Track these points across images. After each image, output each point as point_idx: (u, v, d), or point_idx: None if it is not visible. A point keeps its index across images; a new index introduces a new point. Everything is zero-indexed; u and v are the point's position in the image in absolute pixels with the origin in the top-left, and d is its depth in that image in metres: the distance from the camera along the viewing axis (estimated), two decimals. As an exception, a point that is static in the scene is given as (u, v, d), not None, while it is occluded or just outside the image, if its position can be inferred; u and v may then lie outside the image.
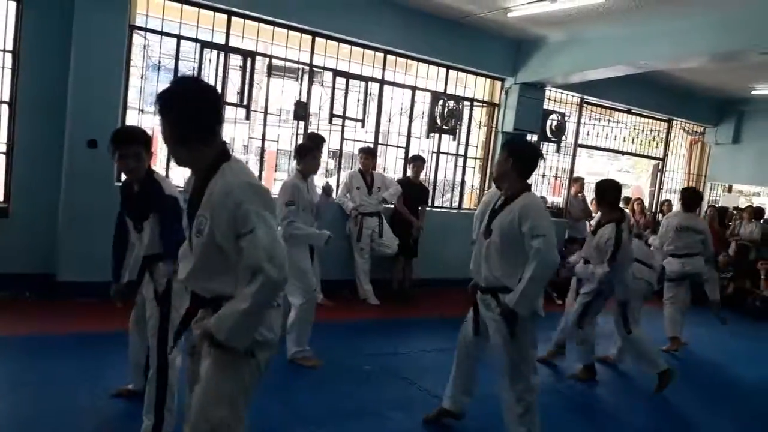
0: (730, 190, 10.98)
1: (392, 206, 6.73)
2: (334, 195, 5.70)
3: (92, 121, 5.33)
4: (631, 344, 4.67)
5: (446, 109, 7.52)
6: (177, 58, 5.84)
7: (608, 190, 4.56)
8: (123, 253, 3.25)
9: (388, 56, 7.06)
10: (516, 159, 3.13)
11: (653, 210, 10.17)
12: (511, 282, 3.03)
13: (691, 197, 6.00)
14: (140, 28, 5.69)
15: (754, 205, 9.95)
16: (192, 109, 1.90)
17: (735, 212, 9.98)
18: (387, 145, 7.61)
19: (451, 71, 7.61)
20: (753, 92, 9.09)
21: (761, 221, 9.32)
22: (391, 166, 7.70)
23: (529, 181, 3.20)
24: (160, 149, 6.05)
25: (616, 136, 9.69)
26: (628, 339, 4.63)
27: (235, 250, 1.89)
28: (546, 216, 3.10)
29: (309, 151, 4.56)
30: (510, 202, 3.11)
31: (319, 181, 5.78)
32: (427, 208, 7.08)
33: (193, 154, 1.97)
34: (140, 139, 2.99)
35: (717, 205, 10.15)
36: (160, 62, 5.84)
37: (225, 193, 1.88)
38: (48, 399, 3.42)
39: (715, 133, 10.47)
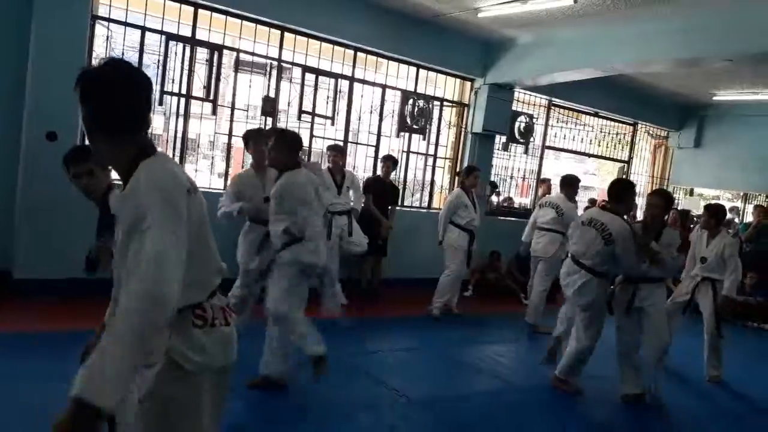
0: (691, 193, 11.25)
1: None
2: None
3: (51, 114, 5.15)
4: None
5: (416, 109, 7.51)
6: (141, 51, 5.69)
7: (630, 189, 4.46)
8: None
9: (359, 53, 7.02)
10: None
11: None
12: None
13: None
14: (103, 19, 5.53)
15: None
16: (121, 95, 1.62)
17: (695, 217, 10.21)
18: (357, 143, 7.56)
19: (421, 70, 7.61)
20: (714, 98, 9.33)
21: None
22: (360, 164, 7.66)
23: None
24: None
25: (582, 139, 9.84)
26: None
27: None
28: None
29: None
30: None
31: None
32: (397, 208, 7.06)
33: (114, 150, 1.67)
34: (89, 155, 2.77)
35: (679, 208, 10.37)
36: (123, 54, 5.67)
37: (131, 194, 1.59)
38: (7, 400, 3.28)
39: (678, 138, 10.72)
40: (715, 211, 5.29)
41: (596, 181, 16.33)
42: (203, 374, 1.71)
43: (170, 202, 1.56)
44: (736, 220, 10.27)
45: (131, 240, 1.53)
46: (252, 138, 4.50)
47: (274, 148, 3.70)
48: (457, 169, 7.65)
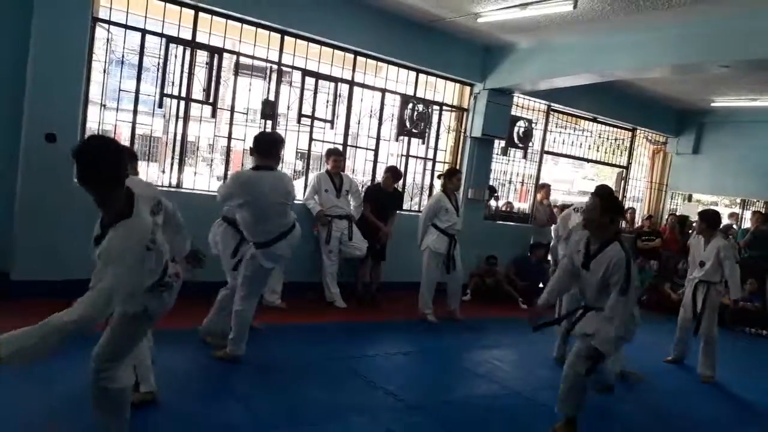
0: (689, 199, 11.27)
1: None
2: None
3: (51, 115, 5.16)
4: None
5: (416, 113, 7.53)
6: (141, 53, 5.70)
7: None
8: None
9: (358, 57, 7.04)
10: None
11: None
12: None
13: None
14: (104, 21, 5.53)
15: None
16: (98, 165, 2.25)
17: (694, 223, 10.22)
18: (356, 147, 7.57)
19: (420, 75, 7.63)
20: (712, 104, 9.36)
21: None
22: (360, 168, 7.66)
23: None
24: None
25: (581, 144, 9.86)
26: None
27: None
28: None
29: None
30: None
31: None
32: (397, 212, 7.06)
33: (113, 204, 2.35)
34: (135, 155, 3.62)
35: (677, 213, 10.40)
36: (123, 57, 5.69)
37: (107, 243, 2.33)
38: (2, 404, 3.27)
39: (677, 144, 10.74)
40: (707, 217, 5.53)
41: (594, 186, 16.35)
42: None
43: (131, 254, 2.34)
44: (735, 226, 10.27)
45: (102, 270, 2.28)
46: None
47: None
48: (437, 174, 7.58)
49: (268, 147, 4.26)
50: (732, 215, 10.67)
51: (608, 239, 3.51)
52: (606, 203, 3.52)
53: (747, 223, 10.46)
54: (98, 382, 2.65)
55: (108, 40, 5.59)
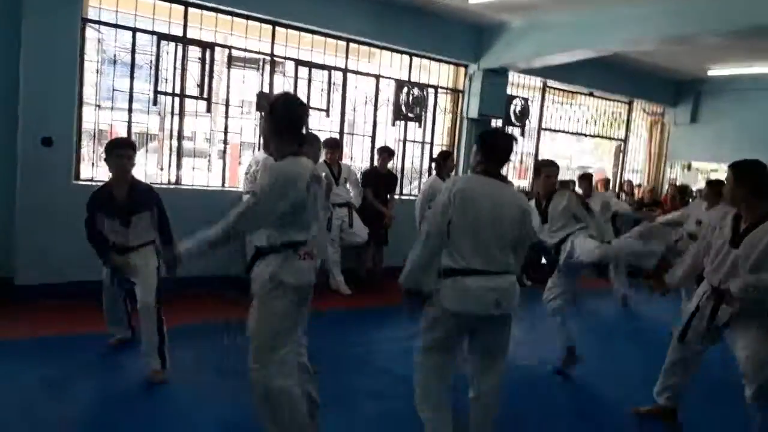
0: (689, 168, 11.26)
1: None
2: None
3: (46, 119, 5.17)
4: None
5: (411, 97, 7.51)
6: (133, 52, 5.69)
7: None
8: (105, 243, 3.85)
9: (351, 45, 7.01)
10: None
11: (616, 190, 10.36)
12: None
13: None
14: (94, 21, 5.51)
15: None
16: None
17: (694, 192, 10.23)
18: (353, 134, 7.57)
19: (414, 59, 7.60)
20: (709, 73, 9.31)
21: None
22: (357, 155, 7.67)
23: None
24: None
25: (578, 119, 9.83)
26: None
27: None
28: None
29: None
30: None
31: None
32: (396, 197, 7.08)
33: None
34: (129, 144, 3.97)
35: (677, 184, 10.39)
36: (115, 56, 5.68)
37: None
38: (11, 407, 3.31)
39: (674, 114, 10.70)
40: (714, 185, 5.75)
41: (593, 160, 16.29)
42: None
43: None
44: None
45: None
46: None
47: None
48: (433, 156, 7.57)
49: None
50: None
51: (762, 216, 3.18)
52: (741, 175, 3.23)
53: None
54: (254, 381, 2.65)
55: (99, 40, 5.58)
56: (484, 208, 2.80)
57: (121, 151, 3.72)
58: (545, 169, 4.61)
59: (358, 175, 6.90)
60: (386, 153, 6.89)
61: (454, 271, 2.80)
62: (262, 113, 6.17)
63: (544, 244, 4.65)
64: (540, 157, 9.32)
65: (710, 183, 6.07)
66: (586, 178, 7.37)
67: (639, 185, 10.66)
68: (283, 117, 2.68)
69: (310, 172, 2.69)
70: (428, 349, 2.96)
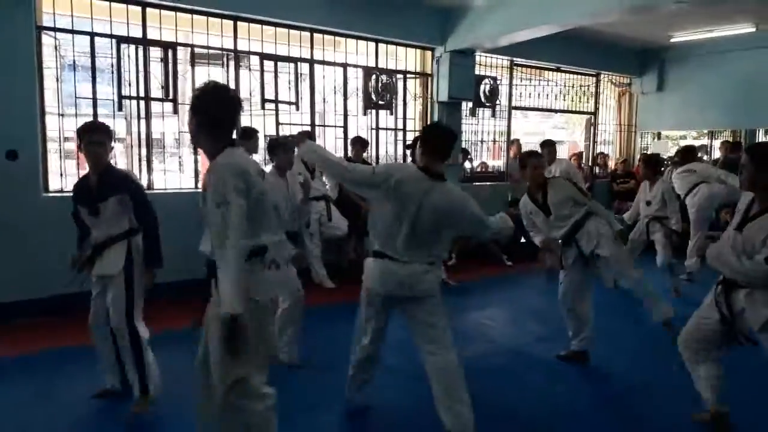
0: (659, 137, 11.41)
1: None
2: None
3: (8, 131, 5.04)
4: None
5: (380, 84, 7.47)
6: (93, 56, 5.55)
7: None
8: (85, 237, 3.47)
9: (315, 35, 6.93)
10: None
11: (589, 163, 10.47)
12: None
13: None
14: (49, 29, 5.36)
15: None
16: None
17: (667, 160, 10.37)
18: (324, 126, 7.50)
19: (380, 45, 7.54)
20: (672, 40, 9.40)
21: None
22: (330, 146, 7.60)
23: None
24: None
25: (548, 95, 9.87)
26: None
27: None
28: None
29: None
30: None
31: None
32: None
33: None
34: (103, 128, 3.40)
35: (648, 152, 10.52)
36: (75, 62, 5.53)
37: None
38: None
39: (641, 83, 10.80)
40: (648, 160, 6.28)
41: (565, 135, 16.45)
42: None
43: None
44: (705, 157, 10.46)
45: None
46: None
47: None
48: (407, 143, 7.55)
49: None
50: (701, 147, 10.84)
51: None
52: (761, 159, 2.97)
53: (716, 153, 10.67)
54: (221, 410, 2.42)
55: (56, 47, 5.42)
56: (411, 202, 2.98)
57: (93, 137, 3.29)
58: (532, 160, 4.39)
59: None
60: (359, 144, 6.84)
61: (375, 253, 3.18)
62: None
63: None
64: (512, 136, 9.37)
65: (646, 159, 6.34)
66: (548, 144, 7.18)
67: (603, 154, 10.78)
68: (216, 109, 2.42)
69: (254, 166, 2.51)
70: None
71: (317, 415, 3.53)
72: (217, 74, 6.40)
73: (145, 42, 5.80)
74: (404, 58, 7.91)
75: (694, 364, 3.29)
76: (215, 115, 2.42)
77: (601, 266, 4.40)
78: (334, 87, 7.28)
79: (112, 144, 3.47)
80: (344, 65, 7.31)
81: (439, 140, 3.15)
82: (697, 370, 3.28)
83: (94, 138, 3.29)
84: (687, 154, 7.14)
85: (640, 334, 5.05)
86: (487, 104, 8.58)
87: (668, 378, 3.65)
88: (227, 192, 2.27)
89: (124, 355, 3.35)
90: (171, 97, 5.99)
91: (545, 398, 3.84)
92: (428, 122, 8.15)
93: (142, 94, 5.84)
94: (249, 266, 2.31)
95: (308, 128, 6.87)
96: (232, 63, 6.38)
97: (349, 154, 7.00)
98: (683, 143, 11.24)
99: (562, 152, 10.88)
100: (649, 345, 4.76)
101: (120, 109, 5.79)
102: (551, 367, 4.38)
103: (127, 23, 5.65)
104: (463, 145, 8.53)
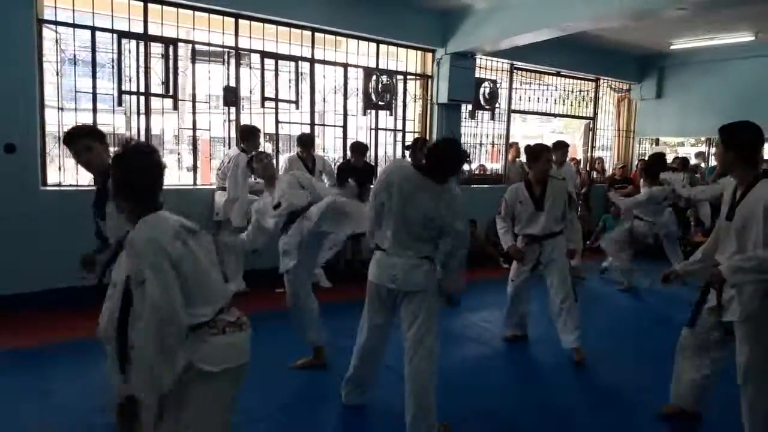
0: (657, 143, 11.44)
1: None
2: None
3: (7, 125, 5.04)
4: None
5: (380, 85, 7.48)
6: (93, 51, 5.55)
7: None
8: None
9: (317, 34, 6.93)
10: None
11: (587, 168, 10.49)
12: None
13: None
14: (50, 22, 5.36)
15: (680, 156, 10.40)
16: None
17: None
18: (324, 125, 7.51)
19: (381, 46, 7.56)
20: (672, 47, 9.44)
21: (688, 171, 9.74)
22: (330, 145, 7.62)
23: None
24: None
25: (547, 99, 9.90)
26: None
27: None
28: None
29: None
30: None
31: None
32: (372, 186, 7.02)
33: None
34: (84, 132, 3.12)
35: (645, 158, 10.53)
36: (75, 57, 5.53)
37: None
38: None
39: (640, 89, 10.84)
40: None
41: (563, 139, 16.48)
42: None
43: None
44: (702, 165, 10.49)
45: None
46: None
47: None
48: (406, 143, 7.53)
49: None
50: (699, 154, 10.87)
51: (751, 181, 2.88)
52: (728, 138, 2.94)
53: (714, 161, 10.68)
54: None
55: (57, 40, 5.42)
56: (401, 197, 3.06)
57: (77, 146, 3.05)
58: (546, 154, 4.46)
59: (333, 167, 6.85)
60: (358, 152, 6.75)
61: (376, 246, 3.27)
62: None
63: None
64: (511, 140, 9.39)
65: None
66: (561, 145, 7.12)
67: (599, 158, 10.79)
68: (134, 176, 2.15)
69: (180, 225, 2.15)
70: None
71: (314, 413, 3.53)
72: (218, 71, 6.40)
73: (146, 37, 5.80)
74: (405, 59, 7.92)
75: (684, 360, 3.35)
76: (132, 183, 2.15)
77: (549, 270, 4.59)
78: (335, 86, 7.29)
79: (107, 140, 3.21)
80: (345, 65, 7.32)
81: (449, 159, 3.22)
82: (682, 365, 3.35)
83: (78, 147, 3.06)
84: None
85: (638, 335, 5.07)
86: (487, 107, 8.60)
87: (664, 378, 3.66)
88: (146, 271, 1.97)
89: None
90: (171, 93, 5.99)
91: (541, 400, 3.85)
92: (428, 124, 8.16)
93: (142, 89, 5.84)
94: (193, 336, 2.06)
95: (308, 127, 6.87)
96: (232, 60, 6.38)
97: (348, 155, 6.99)
98: (681, 150, 11.29)
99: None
100: (645, 345, 4.78)
101: (120, 104, 5.79)
102: (546, 368, 4.39)
103: (129, 18, 5.65)
104: (462, 147, 8.51)
